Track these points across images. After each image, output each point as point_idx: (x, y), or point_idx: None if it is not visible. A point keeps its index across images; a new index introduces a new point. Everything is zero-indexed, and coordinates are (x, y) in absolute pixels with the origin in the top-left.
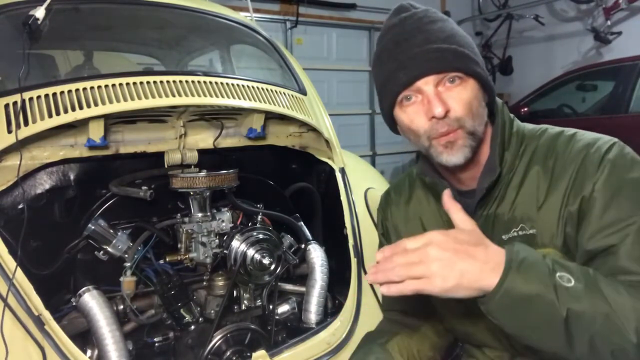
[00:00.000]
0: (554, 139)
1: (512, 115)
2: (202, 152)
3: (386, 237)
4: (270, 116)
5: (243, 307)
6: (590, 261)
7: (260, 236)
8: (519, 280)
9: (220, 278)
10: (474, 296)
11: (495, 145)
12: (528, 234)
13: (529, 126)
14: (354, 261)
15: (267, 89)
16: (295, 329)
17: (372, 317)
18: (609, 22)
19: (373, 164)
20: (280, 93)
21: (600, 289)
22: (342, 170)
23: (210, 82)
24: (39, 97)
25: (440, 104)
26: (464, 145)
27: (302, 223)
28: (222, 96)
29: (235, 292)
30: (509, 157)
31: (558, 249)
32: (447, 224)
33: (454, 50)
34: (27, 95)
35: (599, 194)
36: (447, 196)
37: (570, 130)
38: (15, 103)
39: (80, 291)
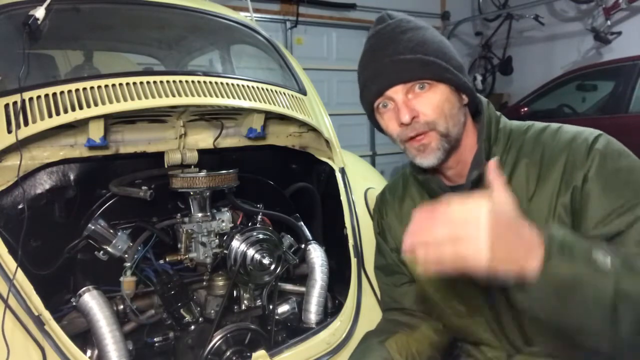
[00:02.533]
0: (540, 133)
1: (498, 113)
2: (202, 152)
3: (383, 236)
4: (270, 116)
5: (243, 307)
6: None
7: (260, 236)
8: (563, 262)
9: (220, 278)
10: (510, 279)
11: (482, 140)
12: None
13: (515, 123)
14: (354, 261)
15: (267, 89)
16: (295, 329)
17: (372, 317)
18: (609, 22)
19: (373, 164)
20: (280, 93)
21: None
22: (342, 170)
23: (210, 82)
24: (39, 97)
25: (407, 112)
26: (436, 148)
27: (302, 223)
28: (222, 96)
29: (235, 292)
30: (497, 152)
31: None
32: None
33: (419, 60)
34: (27, 95)
35: (593, 184)
36: (493, 166)
37: (555, 125)
38: (15, 103)
39: (80, 291)
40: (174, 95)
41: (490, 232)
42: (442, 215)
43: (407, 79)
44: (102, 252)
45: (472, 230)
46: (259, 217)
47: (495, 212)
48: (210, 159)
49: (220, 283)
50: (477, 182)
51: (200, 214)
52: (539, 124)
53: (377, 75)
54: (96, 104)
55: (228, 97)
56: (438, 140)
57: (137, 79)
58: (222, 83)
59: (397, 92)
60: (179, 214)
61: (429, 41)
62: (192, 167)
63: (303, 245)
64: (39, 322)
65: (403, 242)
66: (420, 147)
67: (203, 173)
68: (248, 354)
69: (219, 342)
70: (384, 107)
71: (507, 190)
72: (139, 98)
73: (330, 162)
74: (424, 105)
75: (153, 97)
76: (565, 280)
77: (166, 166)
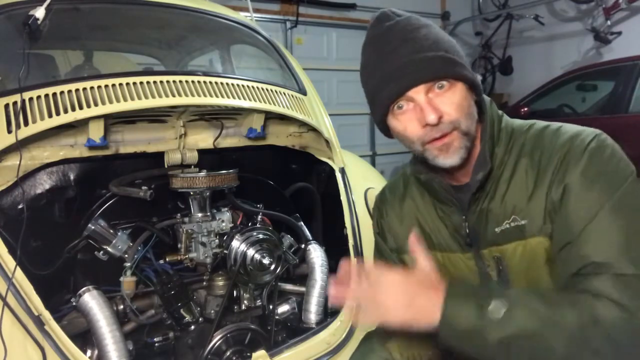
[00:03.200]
0: (541, 132)
1: (500, 112)
2: (202, 152)
3: (382, 236)
4: (270, 116)
5: (243, 307)
6: (561, 250)
7: (260, 236)
8: (452, 318)
9: (220, 278)
10: (425, 328)
11: (485, 140)
12: (520, 224)
13: (517, 121)
14: (354, 261)
15: (267, 89)
16: (295, 329)
17: None
18: (609, 22)
19: (373, 164)
20: (280, 93)
21: (537, 310)
22: (342, 170)
23: (210, 82)
24: (39, 97)
25: (433, 112)
26: (459, 147)
27: (302, 223)
28: (222, 96)
29: (235, 292)
30: (499, 152)
31: (548, 237)
32: (443, 219)
33: (441, 57)
34: (27, 95)
35: (575, 185)
36: (413, 239)
37: (556, 124)
38: (15, 103)
39: (80, 291)
40: (174, 95)
41: (402, 302)
42: (369, 287)
43: (430, 77)
44: (102, 252)
45: (391, 301)
46: (259, 217)
47: (406, 284)
48: (210, 159)
49: (220, 283)
50: (482, 182)
51: (200, 214)
52: (540, 123)
53: (397, 75)
54: (96, 104)
55: (228, 97)
56: (460, 139)
57: (137, 79)
58: (222, 83)
59: (418, 92)
60: (179, 214)
61: (443, 39)
62: (192, 167)
63: (303, 245)
64: (39, 322)
65: (334, 293)
66: (442, 147)
67: (203, 173)
68: (248, 354)
69: (219, 342)
70: (399, 108)
71: (427, 258)
72: (139, 98)
73: (330, 162)
74: (447, 104)
75: (153, 97)
76: (456, 332)
77: (166, 166)
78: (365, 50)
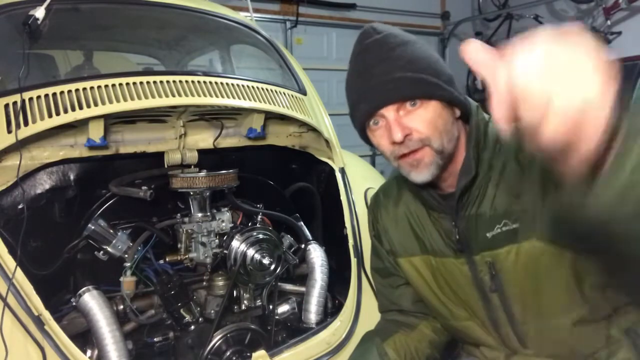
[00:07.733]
0: None
1: (487, 116)
2: (202, 152)
3: (378, 238)
4: (270, 116)
5: (243, 307)
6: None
7: (260, 236)
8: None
9: (220, 278)
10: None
11: (470, 147)
12: (511, 228)
13: None
14: (354, 261)
15: (267, 89)
16: (295, 329)
17: (372, 317)
18: (608, 22)
19: (373, 164)
20: (280, 93)
21: None
22: (342, 170)
23: (210, 82)
24: (39, 97)
25: (399, 130)
26: (430, 163)
27: (302, 223)
28: (222, 96)
29: (235, 292)
30: (486, 157)
31: (541, 239)
32: (435, 224)
33: (410, 79)
34: (27, 95)
35: None
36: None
37: None
38: (15, 103)
39: (80, 291)
40: (173, 95)
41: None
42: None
43: (398, 98)
44: (102, 252)
45: (590, 83)
46: (259, 217)
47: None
48: (210, 159)
49: (220, 283)
50: (468, 189)
51: (200, 214)
52: None
53: (368, 95)
54: (96, 104)
55: (228, 97)
56: (432, 156)
57: (137, 79)
58: (222, 83)
59: (388, 111)
60: (179, 214)
61: (418, 57)
62: (192, 167)
63: (303, 245)
64: (39, 322)
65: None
66: (413, 162)
67: (203, 173)
68: (248, 354)
69: (219, 342)
70: (375, 124)
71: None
72: (139, 98)
73: (330, 162)
74: (417, 122)
75: (153, 97)
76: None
77: (166, 166)
78: (349, 65)
